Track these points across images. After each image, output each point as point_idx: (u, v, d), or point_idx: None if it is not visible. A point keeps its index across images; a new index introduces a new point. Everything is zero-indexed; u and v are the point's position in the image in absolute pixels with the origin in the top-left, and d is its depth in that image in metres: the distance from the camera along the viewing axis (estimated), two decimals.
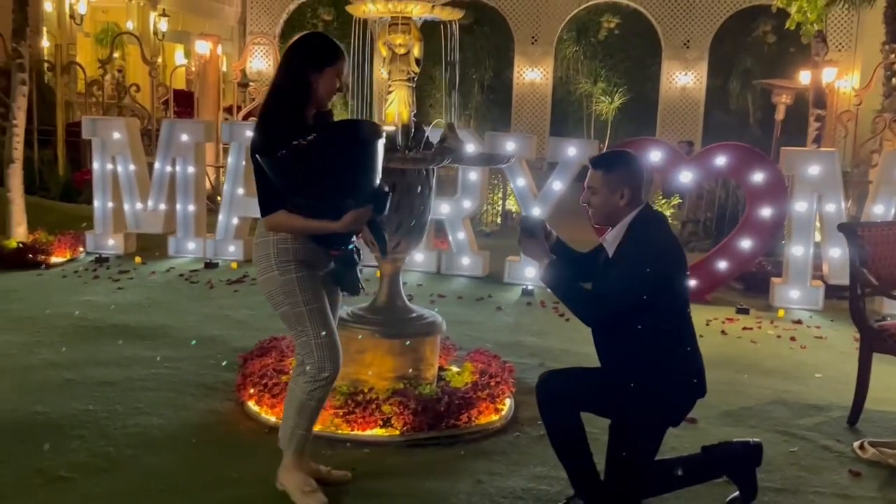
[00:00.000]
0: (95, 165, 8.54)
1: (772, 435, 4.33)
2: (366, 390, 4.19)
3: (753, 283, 7.88)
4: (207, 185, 9.40)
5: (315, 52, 3.25)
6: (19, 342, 5.42)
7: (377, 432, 4.04)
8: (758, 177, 7.32)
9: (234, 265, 8.11)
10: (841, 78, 14.03)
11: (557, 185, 7.79)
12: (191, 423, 4.20)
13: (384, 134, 3.30)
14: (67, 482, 3.52)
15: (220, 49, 12.48)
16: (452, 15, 4.42)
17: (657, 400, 3.14)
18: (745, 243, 7.40)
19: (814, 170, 7.33)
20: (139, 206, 8.48)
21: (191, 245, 8.50)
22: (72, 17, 16.72)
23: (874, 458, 4.07)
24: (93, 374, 4.83)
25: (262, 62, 19.80)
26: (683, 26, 20.46)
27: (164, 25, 18.76)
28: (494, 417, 4.30)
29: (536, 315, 6.82)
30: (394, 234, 4.24)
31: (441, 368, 4.65)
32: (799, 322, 6.89)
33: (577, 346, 5.46)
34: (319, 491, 3.38)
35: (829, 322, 6.88)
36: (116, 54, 14.98)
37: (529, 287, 7.52)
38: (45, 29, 16.42)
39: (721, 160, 7.47)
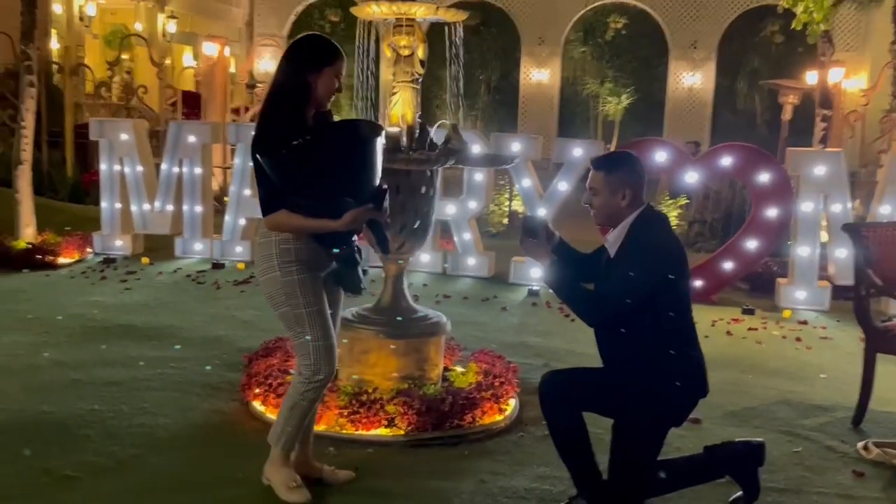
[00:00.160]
0: (103, 167, 8.58)
1: (776, 435, 4.33)
2: (370, 390, 4.21)
3: (759, 284, 7.87)
4: (214, 185, 9.44)
5: (314, 52, 3.28)
6: (27, 342, 5.45)
7: (381, 432, 4.05)
8: (763, 177, 7.31)
9: (240, 266, 8.14)
10: (849, 78, 14.00)
11: (563, 186, 7.79)
12: (196, 423, 4.23)
13: (383, 133, 3.32)
14: (73, 481, 3.54)
15: (227, 51, 12.54)
16: (457, 16, 4.44)
17: (659, 400, 3.15)
18: (751, 244, 7.40)
19: (820, 170, 7.32)
20: (146, 207, 8.51)
21: (198, 246, 8.53)
22: (81, 18, 16.81)
23: (878, 458, 4.07)
24: (99, 374, 4.86)
25: (269, 63, 19.87)
26: (691, 27, 20.42)
27: (172, 27, 18.83)
28: (498, 417, 4.31)
29: (542, 315, 6.83)
30: (398, 235, 4.26)
31: (446, 369, 4.66)
32: (805, 323, 6.88)
33: (582, 346, 5.47)
34: (304, 487, 3.41)
35: (836, 323, 6.87)
36: (125, 56, 15.06)
37: (535, 287, 7.53)
38: (54, 31, 16.49)
39: (727, 161, 7.46)
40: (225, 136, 9.70)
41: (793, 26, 8.53)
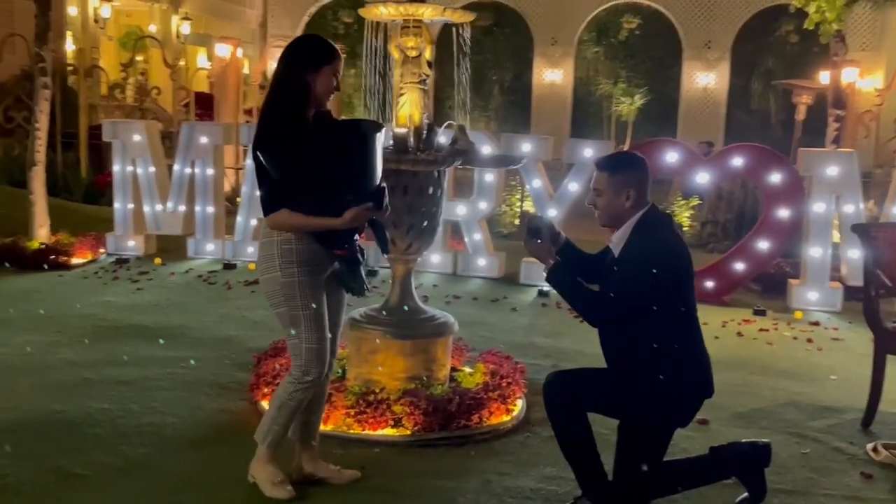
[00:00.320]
0: (116, 168, 8.65)
1: (783, 437, 4.32)
2: (377, 390, 4.22)
3: (771, 285, 7.84)
4: (226, 186, 9.48)
5: (312, 52, 3.30)
6: (40, 342, 5.50)
7: (388, 432, 4.07)
8: (775, 178, 7.28)
9: (251, 266, 8.16)
10: (864, 77, 13.91)
11: (574, 187, 7.79)
12: (204, 423, 4.26)
13: (383, 131, 3.34)
14: (82, 479, 3.58)
15: (240, 52, 12.60)
16: (464, 17, 4.44)
17: (663, 401, 3.14)
18: (763, 244, 7.37)
19: (832, 170, 7.28)
20: (159, 207, 8.57)
21: (210, 246, 8.58)
22: (95, 20, 16.93)
23: (887, 460, 4.05)
24: (110, 373, 4.90)
25: None
26: (705, 26, 20.35)
27: (186, 29, 18.94)
28: (505, 418, 4.31)
29: (551, 316, 6.82)
30: (405, 236, 4.27)
31: (454, 369, 4.67)
32: (816, 324, 6.85)
33: (591, 347, 5.40)
34: (287, 482, 3.44)
35: (847, 324, 6.83)
36: (140, 58, 15.15)
37: (545, 288, 7.52)
38: (69, 33, 16.63)
39: (738, 161, 7.44)
40: (237, 137, 9.75)
41: (805, 26, 8.49)
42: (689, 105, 20.77)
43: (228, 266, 8.13)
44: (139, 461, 3.77)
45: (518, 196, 11.28)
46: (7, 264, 7.69)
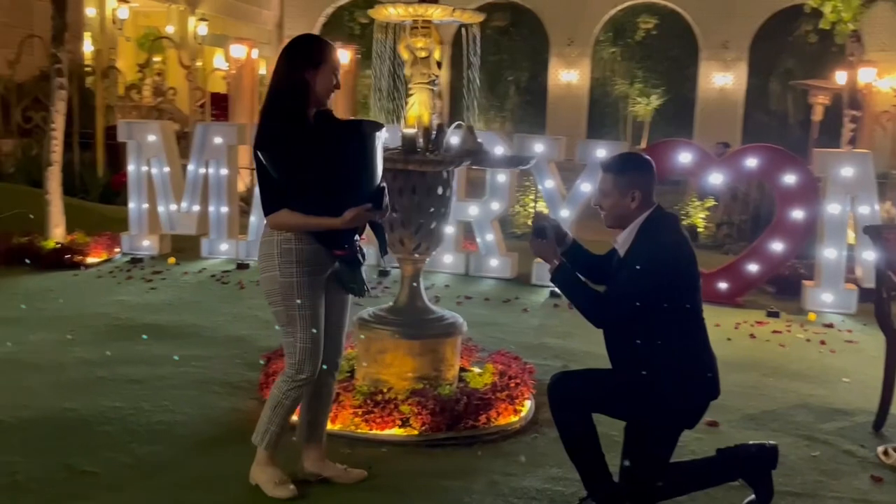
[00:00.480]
0: (131, 168, 8.71)
1: (793, 439, 4.29)
2: (385, 390, 4.23)
3: (786, 287, 7.79)
4: (240, 187, 9.53)
5: (310, 51, 3.31)
6: (54, 340, 5.56)
7: (395, 432, 4.07)
8: (789, 179, 7.24)
9: None
10: (883, 78, 13.79)
11: (586, 187, 7.77)
12: (214, 421, 4.28)
13: (383, 131, 3.34)
14: (92, 476, 3.61)
15: (255, 53, 12.65)
16: (473, 18, 4.45)
17: (668, 402, 3.13)
18: (777, 246, 7.33)
19: (847, 171, 7.23)
20: (173, 207, 8.62)
21: (223, 246, 8.63)
22: (113, 22, 17.06)
23: None
24: (123, 372, 4.94)
25: None
26: (722, 27, 20.25)
27: (203, 30, 19.05)
28: (513, 419, 4.31)
29: (563, 317, 6.81)
30: (414, 236, 4.28)
31: (463, 369, 4.67)
32: (830, 326, 6.80)
33: (602, 348, 5.35)
34: (289, 482, 3.45)
35: (862, 326, 6.78)
36: (157, 58, 15.25)
37: (557, 290, 7.49)
38: (87, 34, 16.76)
39: (752, 162, 7.40)
40: (251, 137, 9.78)
41: (820, 26, 8.45)
42: (706, 106, 20.68)
43: (242, 266, 8.17)
44: (149, 459, 3.80)
45: (531, 197, 11.27)
46: (27, 261, 7.75)
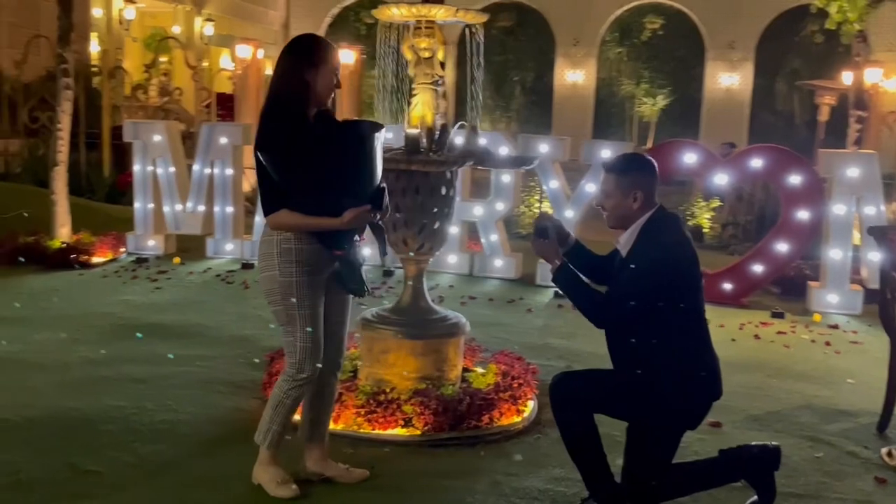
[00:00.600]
0: (136, 168, 8.73)
1: (797, 440, 4.28)
2: (388, 390, 4.23)
3: (791, 287, 7.77)
4: (246, 187, 9.54)
5: (309, 51, 3.31)
6: (58, 339, 5.58)
7: (398, 432, 4.08)
8: (794, 179, 7.22)
9: None
10: (890, 78, 13.74)
11: (591, 188, 7.76)
12: (217, 421, 4.29)
13: (383, 131, 3.34)
14: (95, 475, 3.62)
15: (261, 53, 12.68)
16: (477, 18, 4.45)
17: (670, 402, 3.13)
18: (782, 246, 7.31)
19: (853, 172, 7.21)
20: (179, 207, 8.64)
21: (229, 246, 8.64)
22: (120, 22, 17.11)
23: None
24: (127, 371, 4.95)
25: None
26: (728, 27, 20.21)
27: (209, 30, 19.09)
28: (516, 419, 4.31)
29: (567, 318, 6.80)
30: (417, 236, 4.29)
31: (466, 370, 4.67)
32: (835, 327, 6.78)
33: (605, 349, 5.42)
34: (291, 481, 3.45)
35: (867, 327, 6.75)
36: (164, 59, 15.29)
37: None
38: (94, 34, 16.82)
39: (757, 162, 7.39)
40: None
41: (826, 26, 8.43)
42: (713, 106, 20.65)
43: (247, 266, 8.18)
44: (152, 458, 3.81)
45: (536, 197, 11.27)
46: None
